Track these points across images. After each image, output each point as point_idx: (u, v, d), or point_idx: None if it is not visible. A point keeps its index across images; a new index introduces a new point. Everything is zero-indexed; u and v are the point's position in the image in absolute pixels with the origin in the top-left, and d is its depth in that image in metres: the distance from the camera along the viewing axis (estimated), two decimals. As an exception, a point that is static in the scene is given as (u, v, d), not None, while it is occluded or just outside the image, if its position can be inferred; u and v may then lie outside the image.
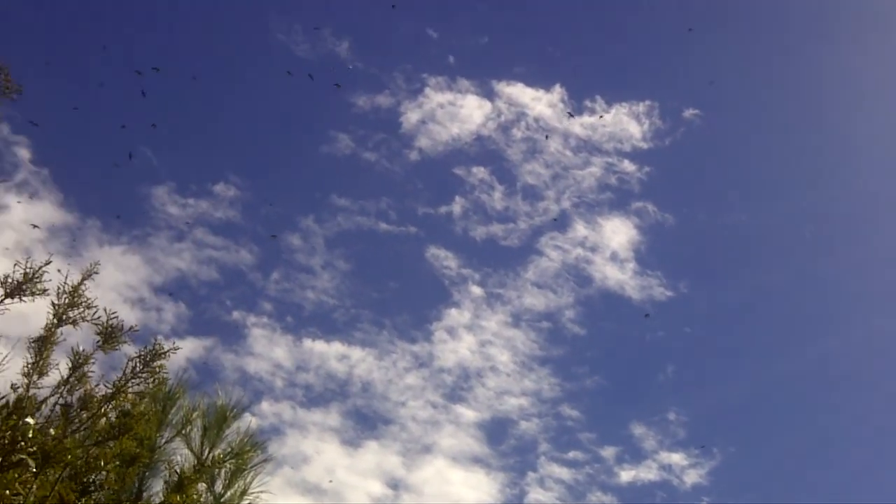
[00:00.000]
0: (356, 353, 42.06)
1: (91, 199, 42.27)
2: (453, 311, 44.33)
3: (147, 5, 44.14)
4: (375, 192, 45.05)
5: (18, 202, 27.94)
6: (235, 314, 40.96)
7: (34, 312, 10.88)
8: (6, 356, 10.34)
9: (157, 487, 12.93)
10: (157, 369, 10.45)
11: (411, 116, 44.59)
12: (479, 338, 43.96)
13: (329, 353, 42.14)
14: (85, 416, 10.34)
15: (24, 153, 36.52)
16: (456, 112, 44.98)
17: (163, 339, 10.72)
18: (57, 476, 10.05)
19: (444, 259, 44.14)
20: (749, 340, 49.71)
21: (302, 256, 42.90)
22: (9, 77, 14.75)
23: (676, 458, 40.95)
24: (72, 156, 41.86)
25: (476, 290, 44.63)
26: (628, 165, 45.09)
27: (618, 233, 45.63)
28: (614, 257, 45.22)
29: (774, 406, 47.53)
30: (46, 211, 38.28)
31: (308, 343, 42.29)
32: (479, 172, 44.91)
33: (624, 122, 45.39)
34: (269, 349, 40.96)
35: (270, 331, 40.91)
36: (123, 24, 43.15)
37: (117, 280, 37.98)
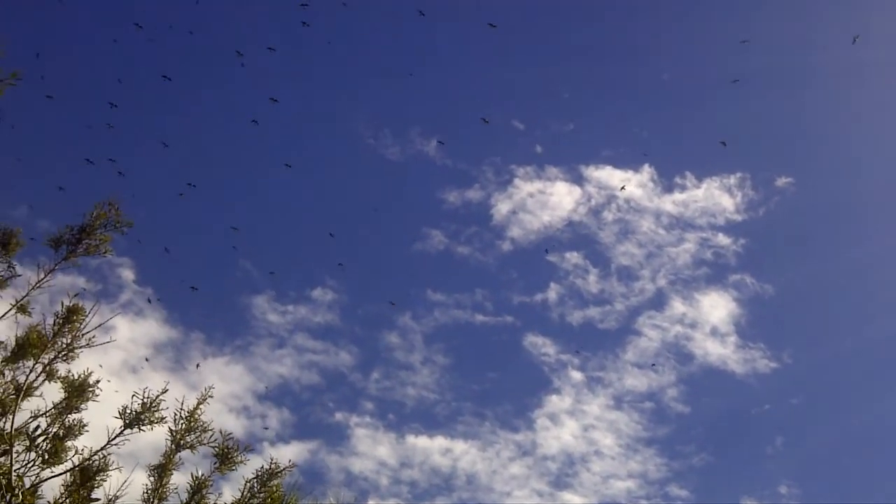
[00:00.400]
0: (459, 445, 41.82)
1: (193, 313, 43.65)
2: (554, 398, 43.88)
3: (234, 124, 46.08)
4: (470, 285, 45.47)
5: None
6: (338, 415, 41.34)
7: (151, 435, 11.18)
8: (126, 482, 10.60)
9: None
10: (275, 489, 10.56)
11: (502, 207, 45.17)
12: (581, 422, 43.27)
13: (432, 447, 41.97)
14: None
15: (127, 274, 38.08)
16: (546, 200, 45.40)
17: (268, 444, 10.87)
18: None
19: (543, 346, 43.96)
20: (859, 407, 47.67)
21: (401, 354, 43.27)
22: (119, 212, 15.53)
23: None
24: (173, 273, 43.48)
25: (576, 375, 44.16)
26: (723, 239, 44.51)
27: (716, 307, 44.80)
28: (714, 332, 44.31)
29: (891, 473, 45.03)
30: (151, 328, 39.55)
31: (411, 439, 42.26)
32: (573, 257, 44.96)
33: (716, 196, 45.05)
34: (372, 448, 41.08)
35: (373, 429, 41.09)
36: (212, 145, 45.10)
37: (222, 390, 38.78)
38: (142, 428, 10.76)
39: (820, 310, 49.54)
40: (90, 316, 13.24)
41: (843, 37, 48.47)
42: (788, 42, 51.83)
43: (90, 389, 12.34)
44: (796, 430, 46.33)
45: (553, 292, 45.01)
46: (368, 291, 46.80)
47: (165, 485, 11.09)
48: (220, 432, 10.89)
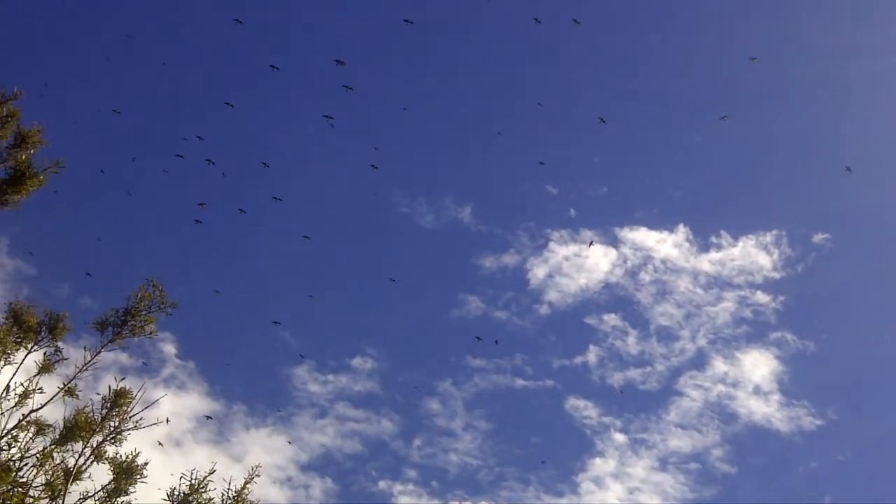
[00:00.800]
0: (504, 511, 41.15)
1: (235, 385, 43.82)
2: (598, 461, 43.30)
3: (268, 201, 46.78)
4: (509, 350, 45.32)
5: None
6: (382, 484, 41.06)
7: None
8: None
9: None
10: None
11: (538, 272, 45.22)
12: (626, 485, 42.60)
13: (477, 514, 41.37)
14: None
15: (169, 349, 38.44)
16: (582, 263, 45.42)
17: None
18: None
19: (584, 409, 43.54)
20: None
21: (442, 420, 43.04)
22: (163, 293, 15.83)
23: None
24: (215, 346, 43.80)
25: (619, 438, 43.61)
26: (762, 297, 44.14)
27: (758, 365, 44.23)
28: (757, 391, 43.70)
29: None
30: (194, 401, 39.78)
31: (455, 505, 41.73)
32: (611, 319, 44.72)
33: (752, 254, 44.84)
34: (416, 514, 40.57)
35: (417, 497, 40.71)
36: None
37: (265, 461, 38.72)
38: (190, 510, 10.84)
39: (863, 365, 48.79)
40: (137, 397, 13.43)
41: (871, 96, 48.59)
42: (819, 101, 51.99)
43: (138, 472, 12.47)
44: (844, 487, 45.32)
45: (593, 355, 44.77)
46: (408, 359, 46.88)
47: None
48: (267, 512, 10.94)
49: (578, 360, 45.43)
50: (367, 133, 48.28)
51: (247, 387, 46.21)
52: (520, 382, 44.39)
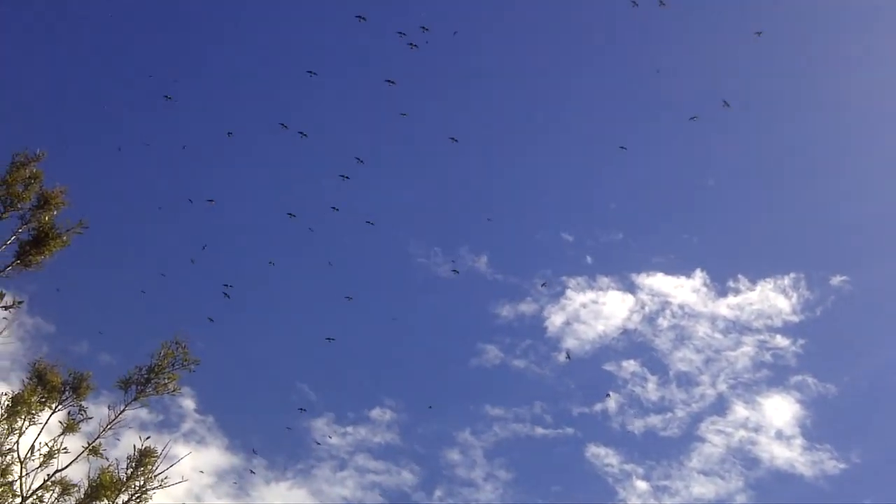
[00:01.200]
0: (527, 561, 40.61)
1: (255, 439, 43.59)
2: (621, 509, 42.68)
3: (288, 255, 47.04)
4: (528, 398, 45.10)
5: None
6: (403, 536, 40.48)
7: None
8: None
9: None
10: None
11: (556, 319, 45.11)
12: (650, 533, 41.95)
13: (500, 564, 40.83)
14: None
15: (188, 403, 38.40)
16: (599, 309, 45.29)
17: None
18: None
19: (605, 457, 43.13)
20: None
21: (462, 470, 42.71)
22: (186, 350, 15.92)
23: None
24: (233, 401, 43.73)
25: (641, 485, 43.14)
26: (781, 340, 43.85)
27: (780, 409, 43.80)
28: (780, 435, 43.23)
29: None
30: (213, 456, 39.60)
31: (478, 556, 41.21)
32: (630, 366, 44.49)
33: (771, 298, 44.65)
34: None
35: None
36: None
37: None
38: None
39: (886, 406, 48.24)
40: (162, 455, 13.44)
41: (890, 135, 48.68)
42: (826, 140, 52.12)
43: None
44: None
45: (612, 402, 44.40)
46: (427, 409, 46.61)
47: None
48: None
49: (598, 407, 45.14)
50: (378, 186, 48.66)
51: (266, 440, 46.02)
52: (539, 430, 44.13)
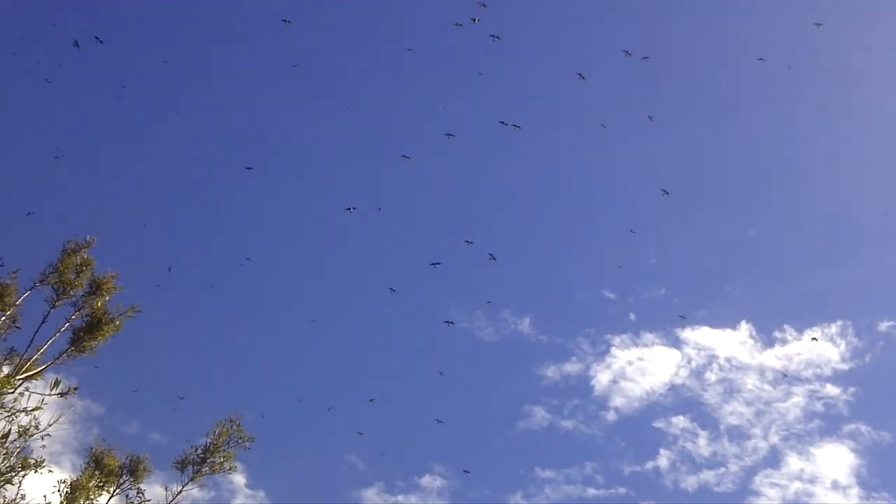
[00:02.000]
0: None
1: (306, 513, 43.13)
2: (678, 568, 41.62)
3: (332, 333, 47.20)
4: (579, 459, 44.36)
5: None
6: None
7: None
8: None
9: None
10: None
11: (602, 378, 44.62)
12: (709, 590, 40.80)
13: None
14: None
15: (239, 479, 38.28)
16: (645, 366, 44.76)
17: None
18: None
19: (660, 515, 42.12)
20: None
21: (517, 535, 41.90)
22: (241, 428, 15.98)
23: None
24: (283, 475, 43.56)
25: (700, 541, 42.01)
26: (832, 389, 43.03)
27: (834, 459, 42.73)
28: (836, 485, 42.10)
29: None
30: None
31: None
32: (680, 422, 43.71)
33: (819, 347, 43.86)
34: None
35: None
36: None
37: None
38: None
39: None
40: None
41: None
42: (862, 190, 51.75)
43: None
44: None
45: (664, 459, 43.66)
46: (477, 474, 46.04)
47: None
48: None
49: (650, 465, 44.32)
50: (422, 252, 48.91)
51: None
52: (591, 491, 43.32)
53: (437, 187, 49.67)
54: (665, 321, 48.68)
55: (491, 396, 47.63)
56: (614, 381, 45.11)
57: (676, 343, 45.96)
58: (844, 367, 43.99)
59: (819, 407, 43.71)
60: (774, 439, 43.62)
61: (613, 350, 45.41)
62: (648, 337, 45.88)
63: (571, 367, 45.28)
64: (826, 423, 43.90)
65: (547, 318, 46.66)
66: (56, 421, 15.56)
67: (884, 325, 44.54)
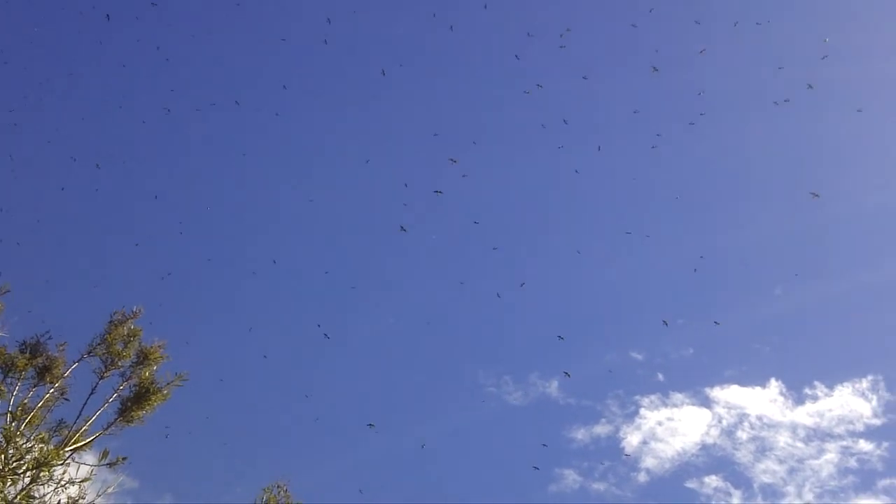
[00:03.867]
0: None
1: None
2: None
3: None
4: (613, 520, 43.61)
5: None
6: None
7: None
8: None
9: None
10: None
11: (632, 439, 44.10)
12: None
13: None
14: None
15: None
16: (675, 426, 44.24)
17: None
18: None
19: (697, 579, 41.23)
20: None
21: None
22: (288, 493, 15.92)
23: None
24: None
25: None
26: (865, 444, 42.39)
27: (870, 515, 41.92)
28: (873, 540, 41.21)
29: None
30: None
31: None
32: (713, 481, 43.04)
33: (850, 402, 43.39)
34: None
35: None
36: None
37: None
38: None
39: None
40: None
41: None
42: (886, 242, 51.68)
43: None
44: None
45: (697, 518, 42.88)
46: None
47: None
48: None
49: (684, 525, 43.51)
50: (439, 315, 48.97)
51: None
52: (626, 554, 42.49)
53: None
54: (694, 381, 48.28)
55: (521, 460, 47.14)
56: (644, 442, 44.66)
57: (706, 402, 45.54)
58: (877, 422, 43.45)
59: (853, 463, 43.06)
60: (809, 496, 42.89)
61: (643, 411, 45.04)
62: (678, 397, 45.51)
63: (601, 430, 44.85)
64: (860, 480, 43.22)
65: (575, 381, 46.41)
66: (105, 492, 15.57)
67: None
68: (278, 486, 16.15)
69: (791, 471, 43.17)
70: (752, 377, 50.60)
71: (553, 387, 45.14)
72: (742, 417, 44.29)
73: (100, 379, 16.60)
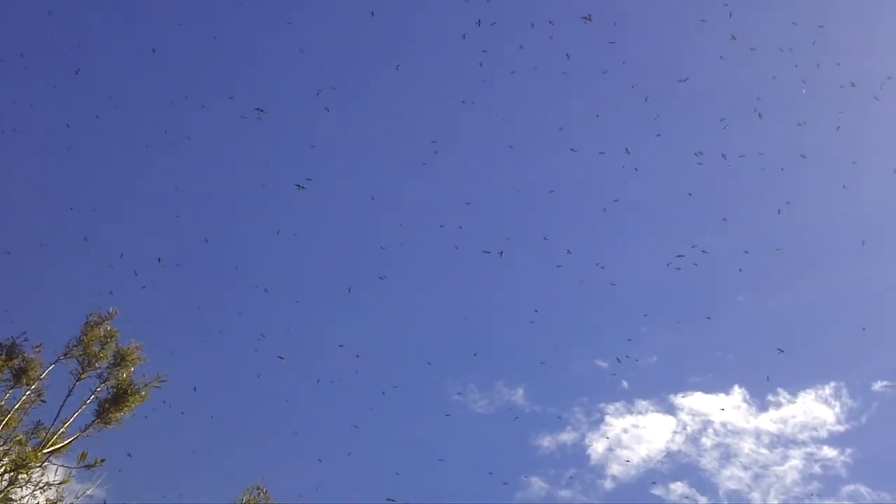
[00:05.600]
0: None
1: None
2: None
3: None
4: (579, 527, 43.95)
5: None
6: None
7: None
8: None
9: None
10: None
11: (598, 447, 44.43)
12: None
13: None
14: None
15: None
16: (641, 433, 44.68)
17: None
18: None
19: (664, 584, 41.67)
20: None
21: None
22: (268, 495, 15.96)
23: None
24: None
25: None
26: (829, 451, 43.16)
27: (835, 522, 42.65)
28: (837, 546, 41.93)
29: None
30: None
31: None
32: (678, 488, 43.51)
33: (814, 409, 44.14)
34: None
35: None
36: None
37: None
38: None
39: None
40: None
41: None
42: (849, 244, 52.69)
43: None
44: None
45: (666, 525, 43.31)
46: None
47: None
48: None
49: (650, 531, 43.94)
50: (410, 320, 49.06)
51: None
52: (592, 560, 42.81)
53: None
54: (659, 388, 48.84)
55: (487, 468, 47.31)
56: (610, 450, 45.03)
57: (671, 409, 46.05)
58: (840, 428, 44.20)
59: (817, 469, 43.77)
60: (774, 503, 43.58)
61: (608, 418, 45.43)
62: (643, 404, 45.95)
63: (567, 437, 45.15)
64: (825, 486, 43.91)
65: (540, 389, 46.72)
66: (84, 494, 15.49)
67: (878, 385, 44.92)
68: (258, 488, 16.17)
69: (756, 477, 43.81)
70: (716, 384, 51.25)
71: (519, 395, 45.41)
72: (706, 424, 44.87)
73: (77, 380, 16.50)
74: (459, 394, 45.05)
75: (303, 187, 33.79)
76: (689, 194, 43.79)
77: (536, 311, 48.60)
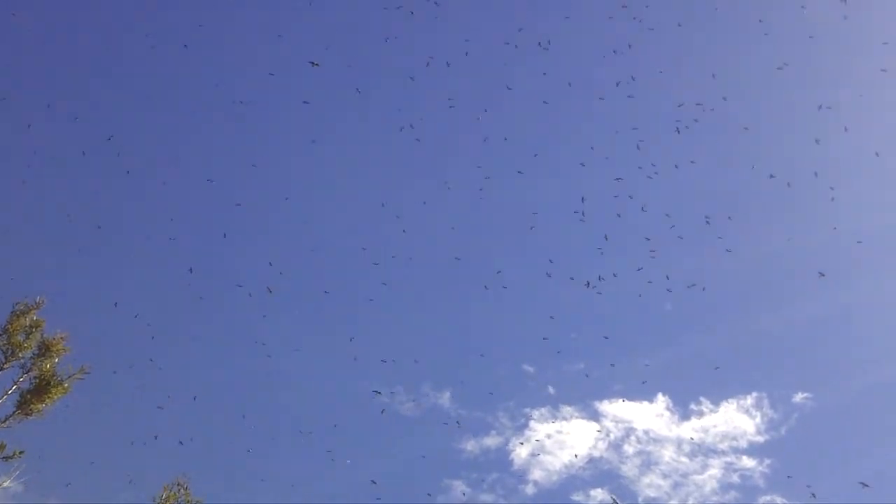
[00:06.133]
0: None
1: None
2: None
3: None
4: (500, 533, 44.38)
5: None
6: None
7: None
8: None
9: None
10: None
11: (521, 452, 44.95)
12: None
13: None
14: None
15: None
16: (564, 439, 45.32)
17: None
18: None
19: None
20: None
21: None
22: (188, 491, 15.94)
23: None
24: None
25: None
26: (748, 461, 44.23)
27: (750, 532, 43.74)
28: (752, 557, 43.02)
29: None
30: None
31: None
32: (598, 494, 44.24)
33: (735, 419, 45.21)
34: None
35: None
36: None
37: None
38: None
39: (860, 521, 48.35)
40: None
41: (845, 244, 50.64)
42: (779, 257, 54.05)
43: None
44: None
45: (586, 531, 44.01)
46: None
47: None
48: None
49: (570, 537, 44.61)
50: (344, 324, 49.08)
51: None
52: (511, 566, 43.33)
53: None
54: (584, 394, 49.53)
55: (410, 470, 47.54)
56: (533, 455, 45.57)
57: (595, 416, 46.77)
58: (760, 439, 45.30)
59: (735, 479, 44.80)
60: (691, 511, 44.51)
61: (532, 423, 45.99)
62: (567, 410, 46.59)
63: (491, 441, 45.60)
64: (742, 495, 44.95)
65: (466, 392, 47.11)
66: (2, 486, 15.34)
67: (799, 397, 46.12)
68: (178, 485, 16.15)
69: (675, 485, 44.71)
70: (640, 392, 52.14)
71: (445, 398, 45.72)
72: (629, 431, 45.65)
73: (-1, 370, 16.33)
74: (379, 393, 45.28)
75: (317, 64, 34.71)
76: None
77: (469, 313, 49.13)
